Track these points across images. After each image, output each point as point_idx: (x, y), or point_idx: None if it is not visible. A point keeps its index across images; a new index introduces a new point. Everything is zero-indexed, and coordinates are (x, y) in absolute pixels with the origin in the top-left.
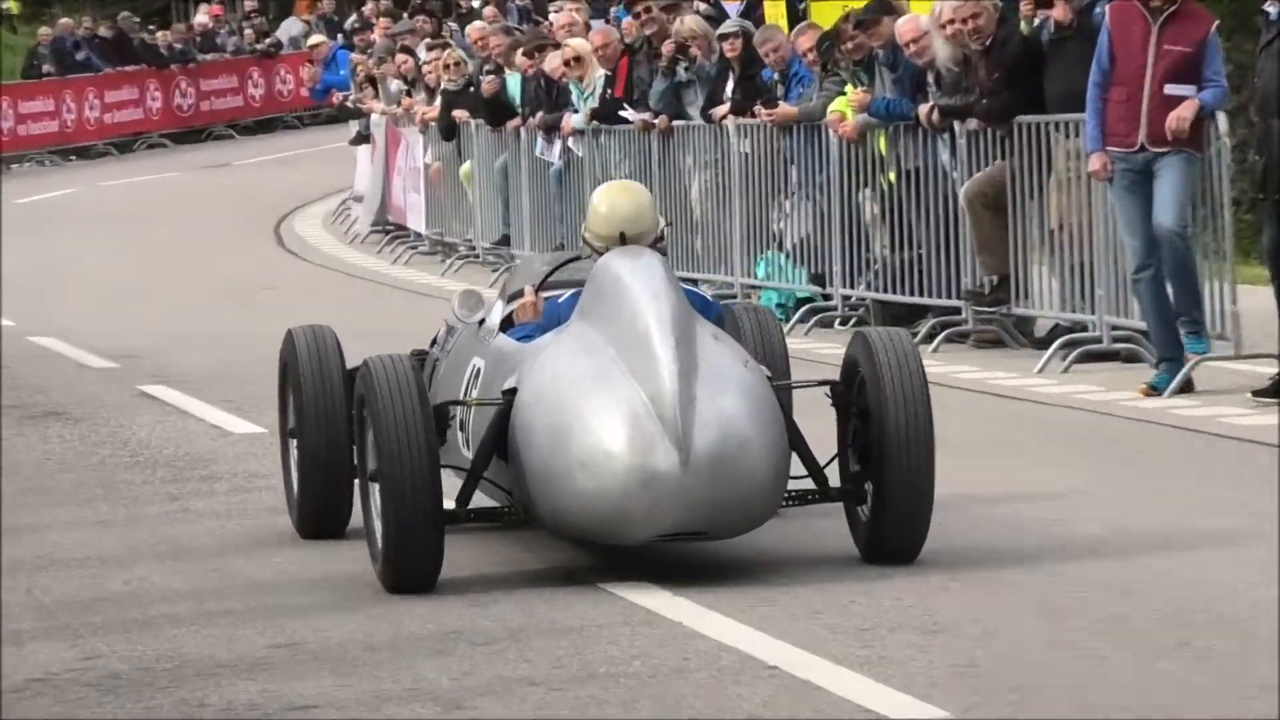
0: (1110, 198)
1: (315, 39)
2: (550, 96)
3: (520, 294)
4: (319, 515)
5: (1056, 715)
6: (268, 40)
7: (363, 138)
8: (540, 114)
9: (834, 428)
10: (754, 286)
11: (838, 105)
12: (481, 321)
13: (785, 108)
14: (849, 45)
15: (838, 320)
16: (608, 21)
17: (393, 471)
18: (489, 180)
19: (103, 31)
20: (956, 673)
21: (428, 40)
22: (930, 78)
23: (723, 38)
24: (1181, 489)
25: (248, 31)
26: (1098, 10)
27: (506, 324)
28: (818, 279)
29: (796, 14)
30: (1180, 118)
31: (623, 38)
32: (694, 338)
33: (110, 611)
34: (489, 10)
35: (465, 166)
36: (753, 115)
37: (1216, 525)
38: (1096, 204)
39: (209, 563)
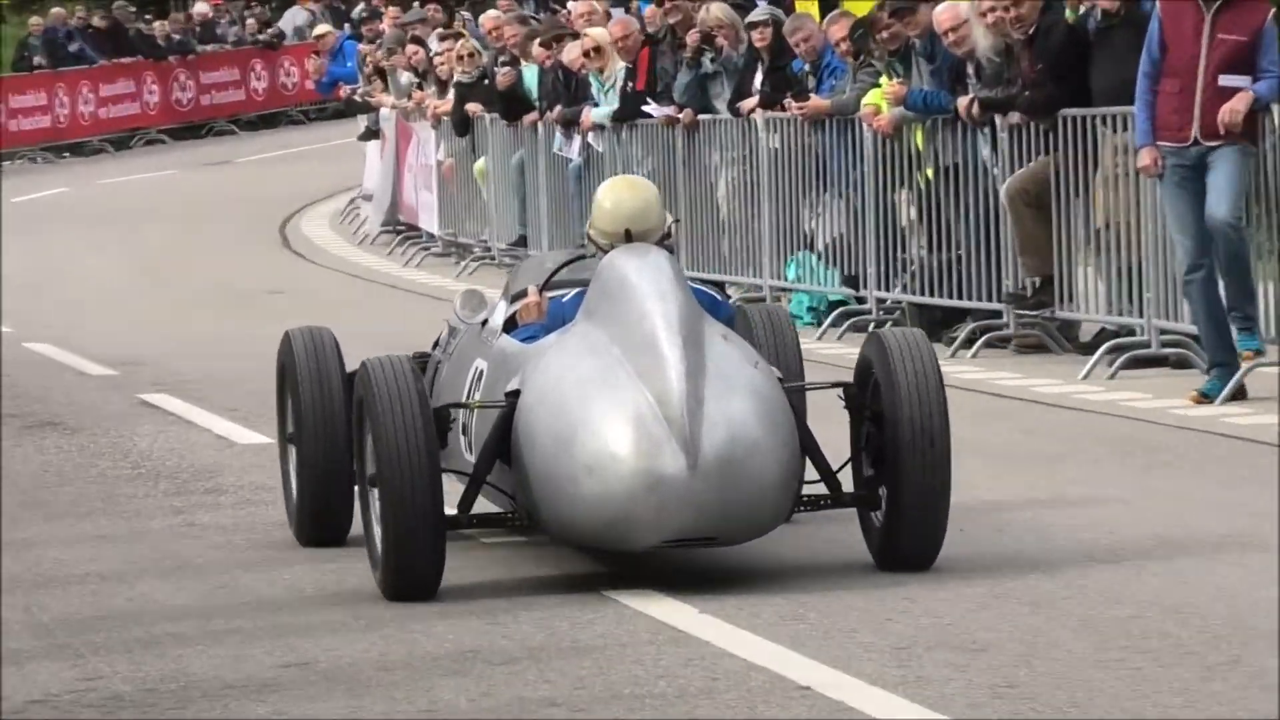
0: (1160, 195)
1: (321, 29)
2: (569, 89)
3: (524, 294)
4: (319, 522)
5: None
6: (271, 30)
7: (372, 133)
8: (558, 108)
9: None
10: (784, 289)
11: (872, 98)
12: (484, 322)
13: (817, 101)
14: (884, 34)
15: (872, 324)
16: (628, 11)
17: (392, 476)
18: (505, 178)
19: (97, 21)
20: (997, 694)
21: (439, 30)
22: (970, 69)
23: (751, 26)
24: (1234, 500)
25: (249, 21)
26: None
27: (510, 325)
28: (851, 281)
29: (829, 1)
30: (1233, 110)
31: (644, 27)
32: (702, 338)
33: (112, 630)
34: None
35: (480, 163)
36: (782, 109)
37: (1271, 539)
38: (1145, 201)
39: (215, 579)
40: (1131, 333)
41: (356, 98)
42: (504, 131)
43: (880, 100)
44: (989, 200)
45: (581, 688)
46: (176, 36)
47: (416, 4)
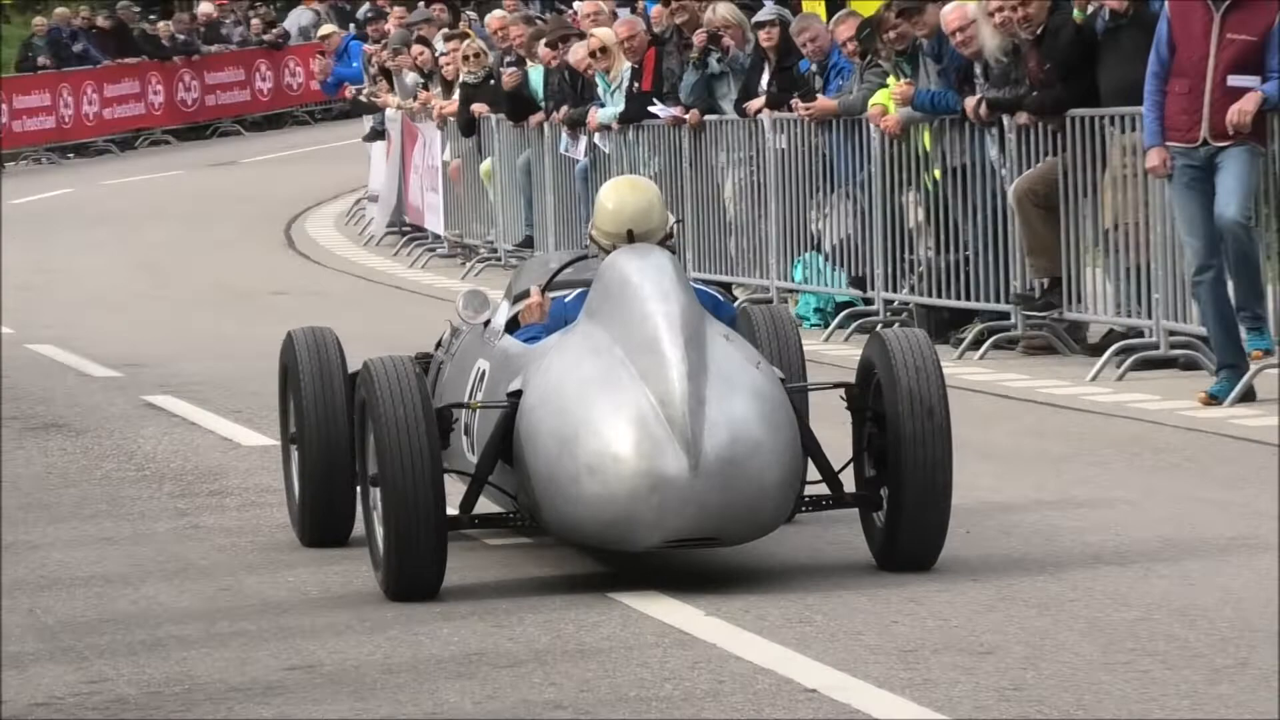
0: (1169, 195)
1: (326, 29)
2: (575, 89)
3: (526, 294)
4: (321, 522)
5: None
6: (275, 31)
7: (377, 134)
8: (565, 108)
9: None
10: (791, 290)
11: (879, 98)
12: (487, 323)
13: (824, 101)
14: (891, 34)
15: (879, 326)
16: (634, 11)
17: (393, 476)
18: (511, 179)
19: (101, 21)
20: (1004, 696)
21: (445, 30)
22: (978, 69)
23: (758, 26)
24: (1241, 501)
25: (254, 21)
26: None
27: (512, 325)
28: (858, 282)
29: (836, 1)
30: (1242, 111)
31: (650, 28)
32: (704, 338)
33: (116, 633)
34: None
35: (486, 164)
36: (789, 109)
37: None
38: (1154, 202)
39: (220, 581)
40: (1140, 334)
41: (362, 98)
42: (510, 132)
43: (888, 100)
44: (997, 201)
45: (587, 690)
46: (181, 37)
47: (421, 4)
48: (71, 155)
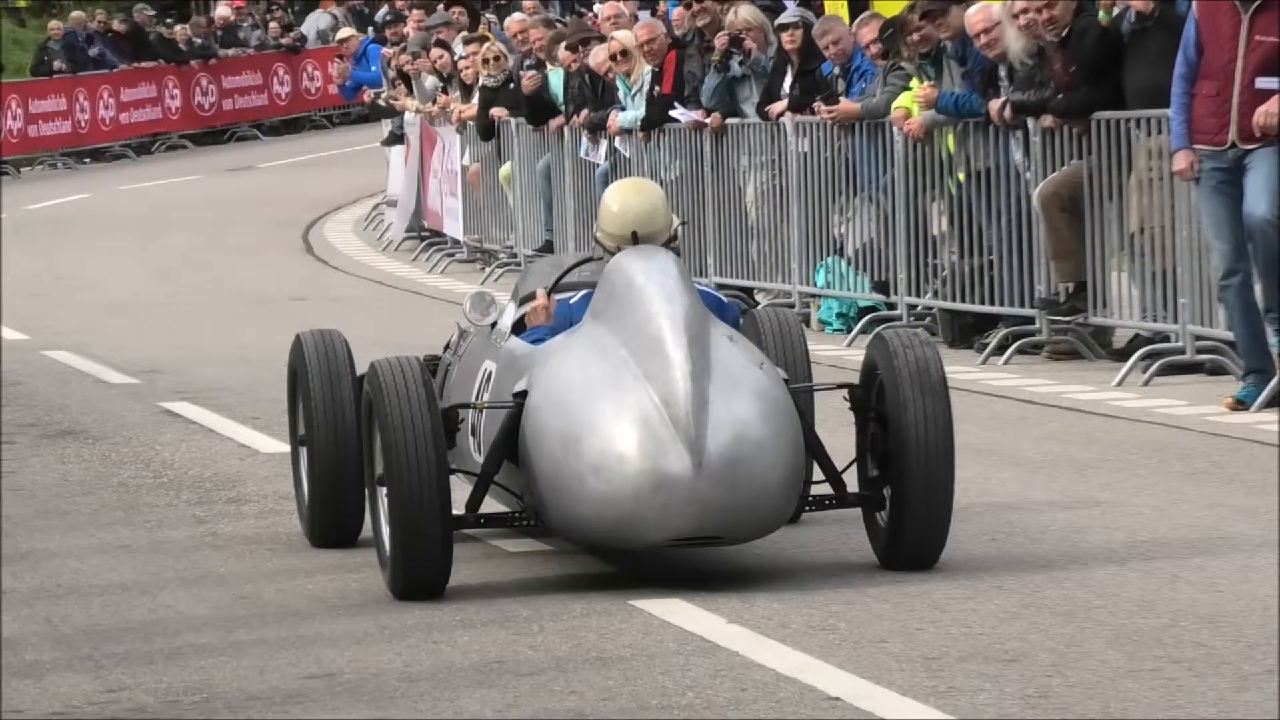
0: (1195, 199)
1: (344, 33)
2: (595, 93)
3: (532, 297)
4: (330, 523)
5: None
6: (293, 34)
7: (396, 138)
8: (585, 112)
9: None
10: (813, 295)
11: (903, 101)
12: (494, 324)
13: (847, 104)
14: (915, 36)
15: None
16: (654, 13)
17: (400, 475)
18: (530, 183)
19: (117, 25)
20: (1030, 705)
21: (464, 34)
22: (1002, 71)
23: (780, 29)
24: (1268, 506)
25: (272, 25)
26: None
27: (519, 327)
28: (881, 287)
29: (859, 3)
30: (1269, 113)
31: (671, 30)
32: (708, 339)
33: (134, 641)
34: (529, 1)
35: (505, 168)
36: (812, 112)
37: None
38: (1180, 206)
39: (238, 589)
40: (1166, 339)
41: (380, 102)
42: (530, 136)
43: (911, 103)
44: (1021, 204)
45: (608, 699)
46: (198, 40)
47: (441, 7)
48: (88, 160)
